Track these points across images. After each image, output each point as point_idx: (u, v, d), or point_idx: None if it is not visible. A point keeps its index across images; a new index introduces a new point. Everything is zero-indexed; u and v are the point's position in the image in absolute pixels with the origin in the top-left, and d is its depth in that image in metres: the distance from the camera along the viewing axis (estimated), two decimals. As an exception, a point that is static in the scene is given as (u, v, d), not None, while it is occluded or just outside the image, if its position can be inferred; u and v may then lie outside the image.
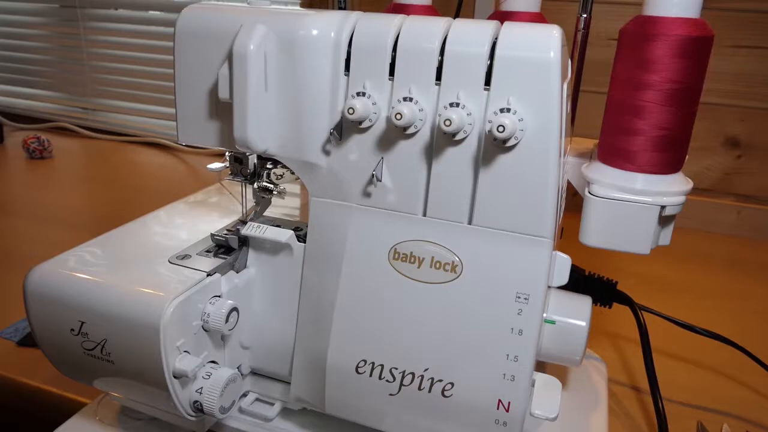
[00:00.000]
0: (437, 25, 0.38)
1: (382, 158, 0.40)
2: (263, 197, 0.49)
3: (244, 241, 0.46)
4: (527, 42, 0.36)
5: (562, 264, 0.42)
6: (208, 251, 0.46)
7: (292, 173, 0.45)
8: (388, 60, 0.39)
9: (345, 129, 0.40)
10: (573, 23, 0.52)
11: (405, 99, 0.38)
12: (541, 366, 0.52)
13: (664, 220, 0.41)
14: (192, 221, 0.51)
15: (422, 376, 0.41)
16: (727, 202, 1.01)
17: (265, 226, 0.45)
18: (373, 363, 0.42)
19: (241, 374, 0.47)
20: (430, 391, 0.40)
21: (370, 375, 0.42)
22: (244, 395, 0.49)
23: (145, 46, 1.38)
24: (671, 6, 0.37)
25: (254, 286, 0.46)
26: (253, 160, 0.47)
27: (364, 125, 0.39)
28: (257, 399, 0.49)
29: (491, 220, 0.39)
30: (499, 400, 0.39)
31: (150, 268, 0.43)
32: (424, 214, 0.40)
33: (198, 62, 0.42)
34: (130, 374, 0.41)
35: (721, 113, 0.98)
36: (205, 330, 0.42)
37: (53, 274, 0.42)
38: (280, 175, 0.47)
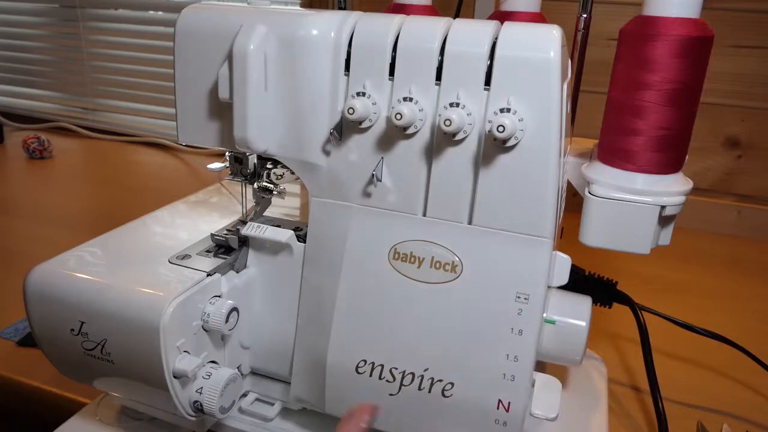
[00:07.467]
0: (437, 25, 0.38)
1: (382, 158, 0.40)
2: (263, 197, 0.49)
3: (244, 241, 0.46)
4: (527, 42, 0.36)
5: (562, 264, 0.42)
6: (208, 251, 0.46)
7: (292, 173, 0.45)
8: (388, 60, 0.39)
9: (345, 129, 0.40)
10: (573, 23, 0.52)
11: (405, 99, 0.38)
12: (541, 366, 0.52)
13: (664, 220, 0.41)
14: (192, 221, 0.51)
15: (422, 376, 0.41)
16: (727, 202, 1.01)
17: (265, 226, 0.45)
18: (373, 363, 0.42)
19: (241, 374, 0.47)
20: (430, 391, 0.40)
21: (370, 375, 0.42)
22: (244, 395, 0.49)
23: (145, 46, 1.38)
24: (671, 6, 0.37)
25: (254, 286, 0.46)
26: (253, 160, 0.47)
27: (364, 125, 0.39)
28: (257, 399, 0.49)
29: (491, 220, 0.39)
30: (499, 400, 0.39)
31: (150, 268, 0.43)
32: (424, 214, 0.40)
33: (198, 62, 0.42)
34: (130, 374, 0.41)
35: (721, 113, 0.98)
36: (205, 330, 0.42)
37: (53, 274, 0.42)
38: (280, 175, 0.47)
